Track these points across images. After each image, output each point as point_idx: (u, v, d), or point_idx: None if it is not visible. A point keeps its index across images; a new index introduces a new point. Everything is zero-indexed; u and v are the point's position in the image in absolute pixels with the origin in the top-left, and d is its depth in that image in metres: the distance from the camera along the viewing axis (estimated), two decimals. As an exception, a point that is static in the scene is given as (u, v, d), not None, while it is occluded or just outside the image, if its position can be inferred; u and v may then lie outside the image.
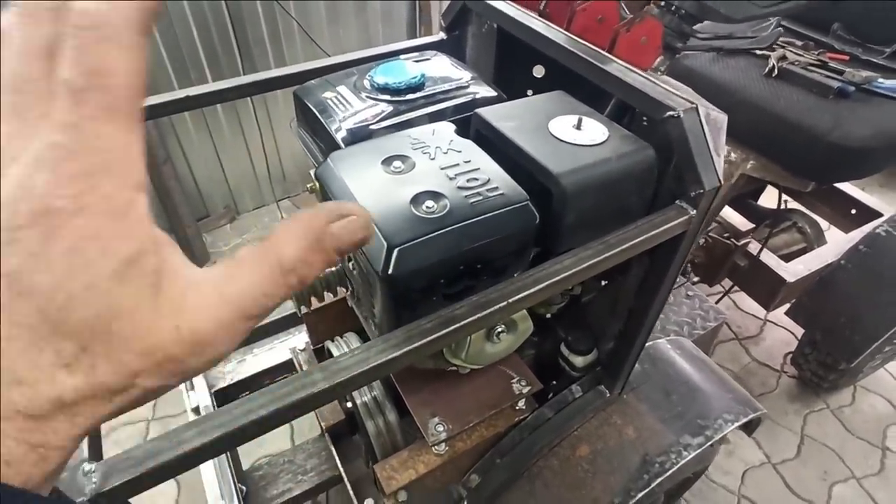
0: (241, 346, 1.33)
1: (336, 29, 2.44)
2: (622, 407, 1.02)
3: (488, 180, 0.59)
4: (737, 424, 1.02)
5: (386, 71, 0.79)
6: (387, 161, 0.61)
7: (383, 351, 0.50)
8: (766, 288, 1.59)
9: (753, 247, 1.60)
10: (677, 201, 0.68)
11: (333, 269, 0.94)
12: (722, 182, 0.66)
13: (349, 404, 1.10)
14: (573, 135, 0.66)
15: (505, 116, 0.69)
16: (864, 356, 1.58)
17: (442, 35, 1.05)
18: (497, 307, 0.54)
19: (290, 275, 0.25)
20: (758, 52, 1.39)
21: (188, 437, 0.43)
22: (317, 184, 1.03)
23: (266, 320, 1.37)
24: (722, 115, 0.70)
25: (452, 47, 1.03)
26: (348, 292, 1.00)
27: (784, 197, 2.03)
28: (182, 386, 1.21)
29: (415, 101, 0.77)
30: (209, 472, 1.14)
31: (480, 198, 0.56)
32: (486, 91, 0.81)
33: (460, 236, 0.53)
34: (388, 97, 0.77)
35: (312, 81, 0.86)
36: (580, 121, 0.67)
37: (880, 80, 1.32)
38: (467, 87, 0.81)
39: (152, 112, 0.88)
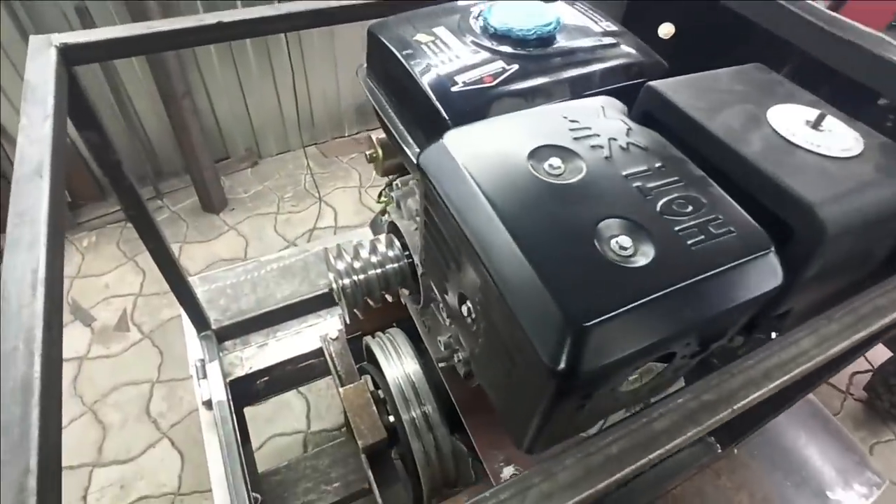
0: (263, 328, 1.14)
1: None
2: (732, 465, 0.83)
3: (704, 205, 0.36)
4: (870, 501, 0.83)
5: (508, 12, 0.55)
6: (538, 154, 0.38)
7: (548, 498, 0.29)
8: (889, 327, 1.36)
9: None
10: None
11: (396, 265, 0.73)
12: None
13: (391, 418, 0.91)
14: (812, 138, 0.43)
15: (696, 97, 0.46)
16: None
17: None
18: (716, 418, 0.33)
19: None
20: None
21: None
22: (380, 151, 0.80)
23: (293, 298, 1.17)
24: None
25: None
26: (409, 294, 0.79)
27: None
28: (194, 374, 1.02)
29: (548, 59, 0.53)
30: (218, 473, 0.97)
31: (702, 237, 0.34)
32: (643, 53, 0.57)
33: (680, 305, 0.32)
34: (508, 48, 0.54)
35: (394, 17, 0.62)
36: (820, 118, 0.43)
37: None
38: (617, 44, 0.57)
39: (173, 41, 0.65)
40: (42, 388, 0.31)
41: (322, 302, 1.18)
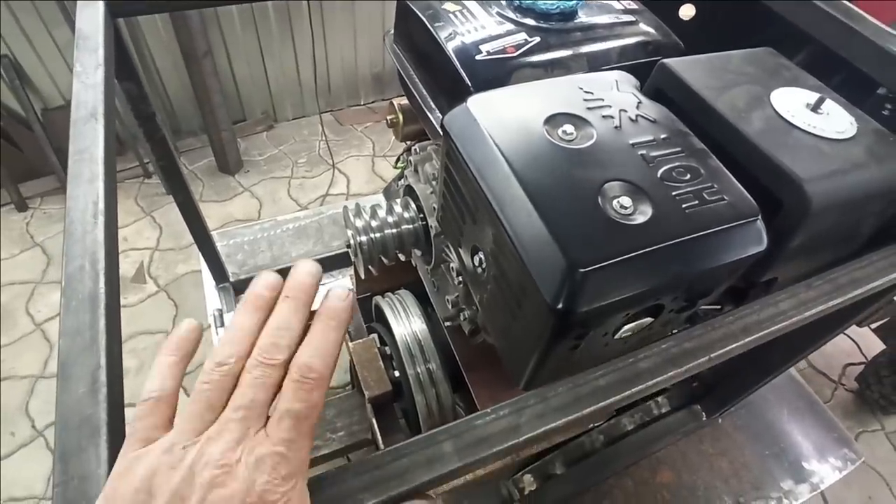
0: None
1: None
2: (716, 433, 0.88)
3: (701, 175, 0.40)
4: (844, 474, 0.88)
5: (533, -16, 0.58)
6: (554, 121, 0.42)
7: (541, 417, 0.34)
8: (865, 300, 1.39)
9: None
10: (922, 233, 0.49)
11: (412, 226, 0.77)
12: None
13: (396, 373, 0.97)
14: (810, 120, 0.46)
15: (706, 77, 0.49)
16: (955, 392, 1.41)
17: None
18: (695, 363, 0.38)
19: None
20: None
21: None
22: (400, 117, 0.84)
23: (307, 257, 1.21)
24: None
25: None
26: (421, 254, 0.83)
27: None
28: (212, 323, 1.08)
29: (569, 34, 0.56)
30: None
31: (696, 202, 0.38)
32: (660, 32, 0.60)
33: (670, 260, 0.36)
34: (532, 21, 0.57)
35: (423, -16, 0.65)
36: (820, 101, 0.47)
37: None
38: (636, 22, 0.60)
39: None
40: (106, 301, 0.35)
41: (334, 262, 1.22)
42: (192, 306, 1.81)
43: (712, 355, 0.38)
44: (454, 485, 0.78)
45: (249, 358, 0.29)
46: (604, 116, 0.43)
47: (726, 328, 0.40)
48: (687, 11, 0.75)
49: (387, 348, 1.01)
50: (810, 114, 0.46)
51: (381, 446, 1.03)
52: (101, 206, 0.40)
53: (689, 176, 0.39)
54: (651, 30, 0.60)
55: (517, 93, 0.46)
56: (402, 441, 0.90)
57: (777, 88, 0.49)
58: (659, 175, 0.39)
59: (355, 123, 2.56)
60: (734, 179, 0.40)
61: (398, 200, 0.80)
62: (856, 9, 0.54)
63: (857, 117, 0.48)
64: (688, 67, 0.50)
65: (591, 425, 0.87)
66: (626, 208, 0.37)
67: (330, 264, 1.21)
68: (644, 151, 0.40)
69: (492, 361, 0.76)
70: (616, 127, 0.42)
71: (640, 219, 0.36)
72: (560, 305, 0.34)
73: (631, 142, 0.41)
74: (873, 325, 1.55)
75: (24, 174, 2.06)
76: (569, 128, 0.41)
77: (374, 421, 0.98)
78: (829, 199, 0.41)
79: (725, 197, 0.39)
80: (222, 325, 1.07)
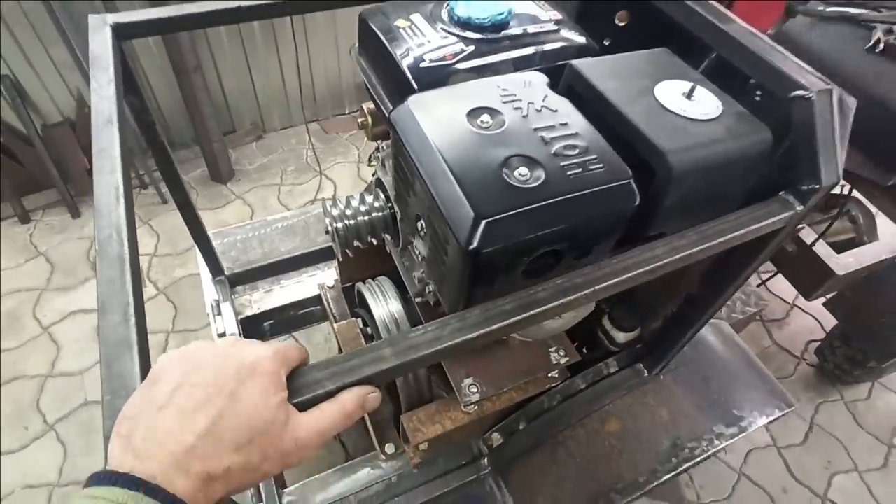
0: (269, 276, 1.30)
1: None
2: (658, 388, 1.00)
3: (587, 149, 0.52)
4: (771, 419, 1.00)
5: (468, 3, 0.70)
6: (474, 113, 0.54)
7: (459, 331, 0.45)
8: (811, 277, 1.52)
9: (804, 233, 1.52)
10: (783, 193, 0.61)
11: (381, 214, 0.88)
12: (841, 179, 0.59)
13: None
14: (683, 105, 0.58)
15: (605, 74, 0.61)
16: (898, 357, 1.53)
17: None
18: (582, 294, 0.49)
19: (348, 419, 0.42)
20: (862, 21, 1.25)
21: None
22: (370, 119, 0.95)
23: (295, 252, 1.33)
24: (852, 100, 0.61)
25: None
26: (391, 239, 0.95)
27: (843, 183, 1.91)
28: (210, 312, 1.19)
29: (499, 42, 0.68)
30: None
31: (579, 170, 0.49)
32: (578, 38, 0.72)
33: (556, 213, 0.47)
34: (468, 33, 0.69)
35: (381, 4, 0.77)
36: (692, 89, 0.59)
37: None
38: (557, 31, 0.72)
39: (197, 21, 0.79)
40: (130, 259, 0.47)
41: (320, 256, 1.34)
42: (190, 306, 1.92)
43: (597, 288, 0.50)
44: (429, 436, 0.89)
45: None
46: (514, 108, 0.55)
47: (610, 268, 0.51)
48: (622, 18, 0.87)
49: (369, 329, 1.12)
50: (684, 100, 0.58)
51: (367, 418, 1.14)
52: (122, 190, 0.52)
53: (577, 150, 0.51)
54: (571, 37, 0.72)
55: (447, 92, 0.57)
56: (386, 413, 1.02)
57: (662, 81, 0.61)
58: (553, 151, 0.51)
59: (340, 131, 2.67)
60: (613, 152, 0.52)
61: (370, 191, 0.91)
62: (736, 18, 0.66)
63: (725, 102, 0.60)
64: (591, 67, 0.62)
65: (548, 386, 0.99)
66: (523, 176, 0.48)
67: (316, 258, 1.33)
68: (543, 133, 0.52)
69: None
70: (524, 116, 0.54)
71: (534, 183, 0.48)
72: (471, 247, 0.45)
73: (533, 127, 0.53)
74: (823, 300, 1.68)
75: (25, 188, 2.17)
76: (486, 118, 0.53)
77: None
78: (689, 166, 0.53)
79: (603, 165, 0.50)
80: (219, 313, 1.18)
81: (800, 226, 1.53)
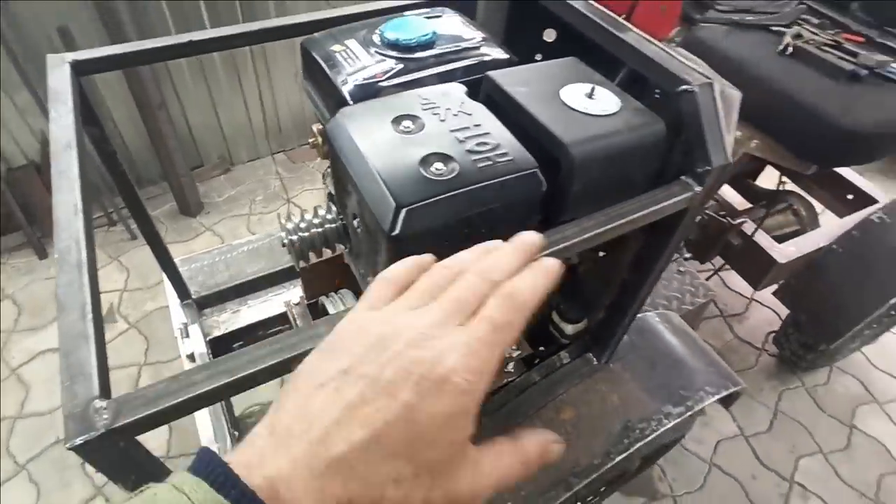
0: (236, 297, 1.34)
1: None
2: (608, 375, 1.05)
3: (498, 145, 0.58)
4: (717, 397, 1.06)
5: (397, 26, 0.78)
6: (397, 120, 0.60)
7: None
8: (756, 267, 1.61)
9: (748, 226, 1.62)
10: (683, 177, 0.68)
11: (333, 225, 0.94)
12: (731, 160, 0.66)
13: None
14: (585, 104, 0.65)
15: (517, 81, 0.69)
16: (844, 339, 1.62)
17: (454, -9, 1.02)
18: (500, 272, 0.55)
19: (527, 469, 0.34)
20: (773, 28, 1.37)
21: (198, 380, 0.44)
22: (319, 139, 1.02)
23: (260, 273, 1.37)
24: (736, 92, 0.70)
25: (463, 4, 1.00)
26: (346, 249, 1.00)
27: (782, 178, 2.04)
28: (178, 335, 1.22)
29: (425, 60, 0.75)
30: (203, 416, 1.16)
31: (489, 163, 0.56)
32: (497, 53, 0.79)
33: (468, 200, 0.54)
34: (397, 54, 0.76)
35: (320, 33, 0.84)
36: (593, 90, 0.66)
37: (894, 65, 1.30)
38: (479, 48, 0.79)
39: (152, 56, 0.86)
40: (88, 265, 0.51)
41: (285, 276, 1.38)
42: (162, 337, 1.93)
43: (513, 265, 0.56)
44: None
45: (467, 273, 0.33)
46: (433, 114, 0.62)
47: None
48: (549, 35, 0.95)
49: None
50: (586, 100, 0.66)
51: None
52: (80, 206, 0.57)
53: (488, 147, 0.58)
54: (492, 52, 0.79)
55: (375, 104, 0.64)
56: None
57: (568, 85, 0.69)
58: (466, 148, 0.57)
59: (306, 160, 2.74)
60: (521, 146, 0.59)
61: (323, 205, 0.97)
62: (631, 27, 0.74)
63: (624, 100, 0.68)
64: (504, 75, 0.70)
65: (505, 381, 1.04)
66: (439, 170, 0.55)
67: (280, 278, 1.37)
68: (458, 134, 0.59)
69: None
70: (441, 120, 0.61)
71: (449, 175, 0.54)
72: (394, 233, 0.51)
73: (450, 129, 0.60)
74: (772, 290, 1.77)
75: (-9, 232, 2.17)
76: (408, 123, 0.60)
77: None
78: (590, 156, 0.60)
79: (511, 157, 0.57)
80: (187, 335, 1.21)
81: (742, 219, 1.63)
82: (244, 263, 1.41)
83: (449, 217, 0.53)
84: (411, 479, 0.27)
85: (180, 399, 0.43)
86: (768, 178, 1.93)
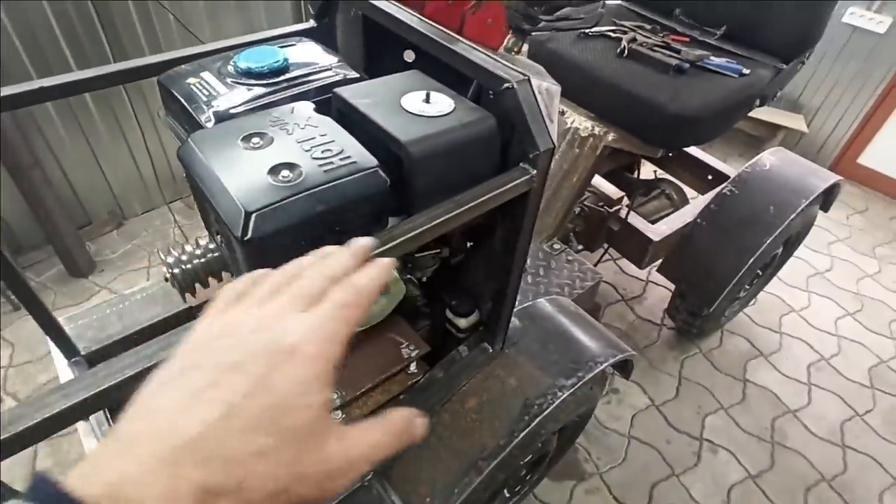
0: (131, 347, 1.29)
1: (216, 19, 2.36)
2: (504, 361, 1.12)
3: (341, 150, 0.64)
4: (605, 364, 1.16)
5: (248, 56, 0.82)
6: (246, 138, 0.64)
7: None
8: (637, 248, 1.77)
9: (624, 212, 1.78)
10: (521, 164, 0.77)
11: (216, 254, 0.95)
12: (556, 144, 0.76)
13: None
14: (422, 107, 0.73)
15: (362, 94, 0.75)
16: (720, 301, 1.81)
17: (312, 23, 1.08)
18: (355, 263, 0.60)
19: (397, 439, 0.33)
20: (613, 35, 1.55)
21: (52, 402, 0.45)
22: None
23: (157, 317, 1.33)
24: (556, 85, 0.80)
25: (323, 34, 1.06)
26: (233, 278, 1.01)
27: (657, 170, 2.26)
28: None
29: (278, 84, 0.80)
30: (84, 426, 1.12)
31: (333, 166, 0.61)
32: (349, 73, 0.86)
33: (314, 200, 0.58)
34: (251, 81, 0.80)
35: (176, 69, 0.87)
36: (428, 95, 0.74)
37: (711, 57, 1.51)
38: (330, 69, 0.85)
39: (4, 104, 0.84)
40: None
41: (186, 318, 1.35)
42: (59, 409, 1.79)
43: (368, 256, 0.61)
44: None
45: (307, 272, 0.36)
46: (281, 129, 0.66)
47: (381, 238, 0.63)
48: (409, 56, 1.03)
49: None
50: (423, 104, 0.73)
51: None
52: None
53: (331, 152, 0.63)
54: (342, 72, 0.86)
55: (225, 126, 0.68)
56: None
57: (408, 93, 0.76)
58: (311, 155, 0.62)
59: (206, 204, 2.67)
60: (363, 149, 0.65)
61: (205, 235, 0.98)
62: (457, 37, 0.83)
63: (458, 102, 0.76)
64: (350, 90, 0.76)
65: (410, 382, 1.08)
66: (286, 177, 0.59)
67: (176, 322, 1.34)
68: (303, 144, 0.64)
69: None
70: (289, 133, 0.66)
71: (296, 181, 0.59)
72: (246, 238, 0.55)
73: (297, 140, 0.64)
74: (655, 268, 1.94)
75: None
76: (256, 140, 0.64)
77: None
78: (427, 151, 0.67)
79: (354, 160, 0.63)
80: (79, 393, 1.15)
81: (618, 207, 1.78)
82: (138, 312, 1.36)
83: (297, 218, 0.57)
84: (274, 450, 0.26)
85: (33, 423, 0.44)
86: (647, 172, 2.13)
